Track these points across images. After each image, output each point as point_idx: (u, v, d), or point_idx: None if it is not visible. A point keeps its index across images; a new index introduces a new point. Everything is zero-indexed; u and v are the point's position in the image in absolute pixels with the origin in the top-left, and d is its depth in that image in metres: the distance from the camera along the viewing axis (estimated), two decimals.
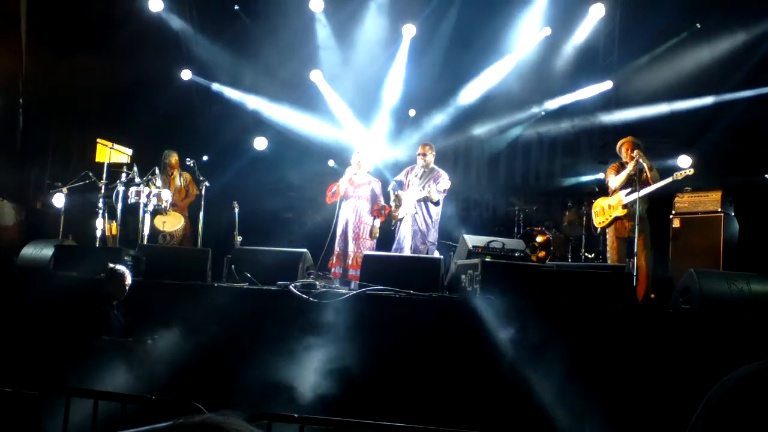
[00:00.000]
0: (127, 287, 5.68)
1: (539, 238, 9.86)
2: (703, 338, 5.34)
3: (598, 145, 11.38)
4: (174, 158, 9.48)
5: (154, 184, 8.62)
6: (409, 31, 11.04)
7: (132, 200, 8.35)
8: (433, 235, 8.09)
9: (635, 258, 7.27)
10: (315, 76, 11.40)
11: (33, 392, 3.59)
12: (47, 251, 6.98)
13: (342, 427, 3.37)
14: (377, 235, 8.17)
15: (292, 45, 11.38)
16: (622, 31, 11.08)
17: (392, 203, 8.20)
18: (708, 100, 10.07)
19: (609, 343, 5.47)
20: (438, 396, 5.37)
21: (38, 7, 10.33)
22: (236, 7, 11.40)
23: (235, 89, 11.61)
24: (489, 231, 10.01)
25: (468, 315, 5.50)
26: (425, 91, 11.48)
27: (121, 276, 5.66)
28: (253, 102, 11.60)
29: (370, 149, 9.22)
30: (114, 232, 8.57)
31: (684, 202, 8.30)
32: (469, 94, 11.36)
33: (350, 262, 7.94)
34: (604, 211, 7.90)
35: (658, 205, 8.09)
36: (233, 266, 6.71)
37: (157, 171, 8.77)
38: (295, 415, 3.26)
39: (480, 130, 11.82)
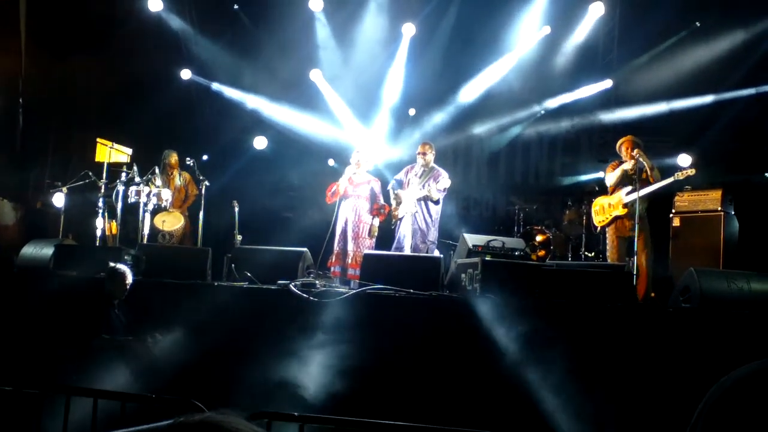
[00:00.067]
0: (127, 286, 5.68)
1: (539, 237, 9.86)
2: (703, 337, 5.34)
3: (598, 144, 11.39)
4: (174, 158, 9.48)
5: (154, 184, 8.62)
6: (409, 30, 11.04)
7: (132, 199, 8.36)
8: (433, 234, 8.10)
9: (635, 257, 7.28)
10: (315, 75, 11.41)
11: (33, 391, 3.58)
12: (47, 250, 6.98)
13: (342, 426, 3.37)
14: (376, 234, 8.16)
15: (292, 44, 11.38)
16: (621, 30, 11.08)
17: (392, 202, 8.20)
18: (707, 98, 10.08)
19: (609, 342, 5.47)
20: (438, 395, 5.37)
21: (38, 7, 10.33)
22: (236, 7, 11.40)
23: (235, 89, 11.61)
24: (489, 230, 10.01)
25: (468, 314, 5.49)
26: (425, 90, 11.48)
27: (122, 275, 5.66)
28: (252, 101, 11.60)
29: (369, 148, 9.22)
30: (114, 231, 8.58)
31: (684, 200, 8.30)
32: (469, 93, 11.36)
33: (349, 261, 7.93)
34: (604, 210, 7.90)
35: (658, 204, 8.09)
36: (233, 265, 6.71)
37: (156, 170, 8.78)
38: (295, 414, 3.26)
39: (480, 129, 11.83)
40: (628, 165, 7.73)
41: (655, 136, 9.76)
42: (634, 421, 5.09)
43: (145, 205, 8.39)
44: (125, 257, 6.50)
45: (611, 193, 7.92)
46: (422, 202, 8.01)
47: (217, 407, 1.33)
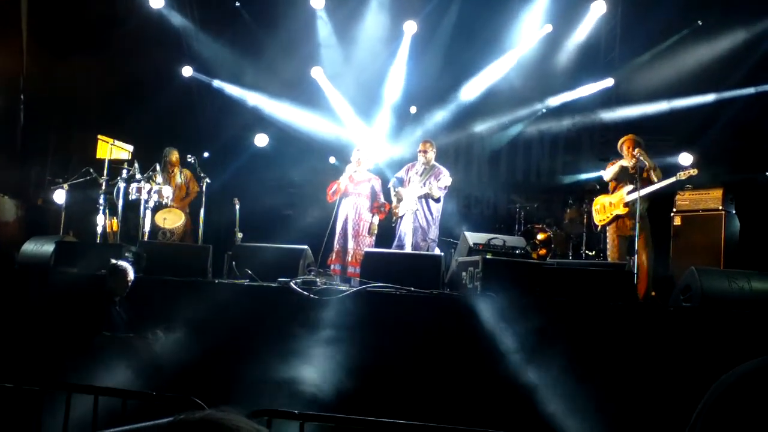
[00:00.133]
0: (129, 283, 5.68)
1: (540, 236, 9.85)
2: (704, 336, 5.33)
3: (599, 143, 11.38)
4: (175, 156, 9.48)
5: (155, 181, 8.62)
6: (410, 27, 11.03)
7: (133, 197, 8.37)
8: (433, 232, 8.10)
9: (636, 256, 7.27)
10: (316, 72, 11.40)
11: (33, 388, 3.59)
12: (48, 247, 6.98)
13: (343, 424, 3.37)
14: (376, 232, 8.17)
15: (293, 42, 11.38)
16: (623, 28, 11.08)
17: (393, 200, 8.20)
18: (709, 97, 10.07)
19: (610, 341, 5.47)
20: (438, 393, 5.37)
21: (39, 6, 10.32)
22: (237, 4, 11.39)
23: (236, 86, 11.61)
24: (490, 228, 10.00)
25: (468, 312, 5.49)
26: (426, 88, 11.48)
27: (123, 272, 5.66)
28: (253, 99, 11.60)
29: (370, 147, 9.22)
30: (115, 228, 8.58)
31: (685, 199, 8.30)
32: (470, 91, 11.36)
33: (350, 259, 7.94)
34: (605, 208, 7.89)
35: (659, 203, 8.09)
36: (234, 263, 6.71)
37: (158, 167, 8.77)
38: (296, 412, 3.26)
39: (481, 127, 11.83)
40: (627, 162, 7.72)
41: (657, 135, 9.76)
42: (634, 420, 5.09)
43: (146, 202, 8.40)
44: (126, 254, 6.50)
45: (612, 192, 7.91)
46: (423, 200, 8.01)
47: (218, 405, 1.33)
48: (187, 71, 11.39)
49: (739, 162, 9.59)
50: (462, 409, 5.23)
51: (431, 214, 8.06)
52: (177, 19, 11.06)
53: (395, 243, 8.07)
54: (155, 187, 8.49)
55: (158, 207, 8.70)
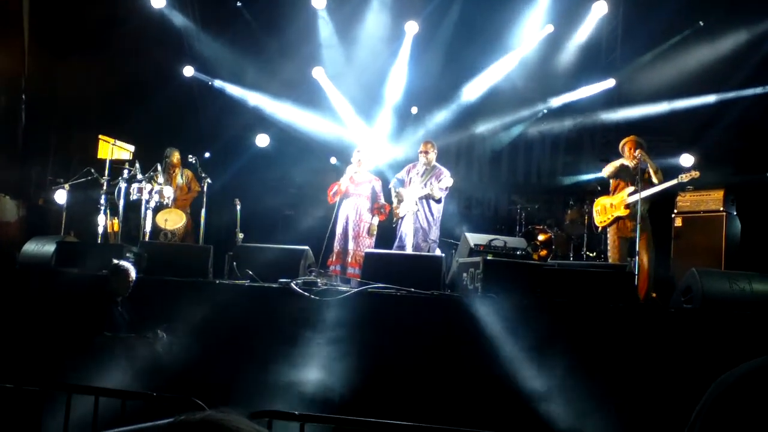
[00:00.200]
0: (131, 283, 5.68)
1: (541, 237, 9.84)
2: (705, 338, 5.33)
3: (601, 143, 11.37)
4: (176, 156, 9.48)
5: (156, 181, 8.62)
6: (412, 28, 11.02)
7: (134, 197, 8.36)
8: (434, 233, 8.09)
9: (637, 257, 7.27)
10: (317, 73, 11.39)
11: (34, 388, 3.59)
12: (49, 248, 6.98)
13: (343, 425, 3.37)
14: (375, 232, 8.17)
15: (295, 42, 11.38)
16: (624, 29, 11.06)
17: (393, 201, 8.20)
18: (710, 98, 10.05)
19: (610, 342, 5.47)
20: (439, 394, 5.37)
21: (40, 6, 10.33)
22: (238, 4, 11.39)
23: (237, 86, 11.60)
24: (491, 229, 10.01)
25: (469, 313, 5.49)
26: (427, 88, 11.47)
27: (125, 272, 5.66)
28: (254, 99, 11.59)
29: (370, 147, 9.22)
30: (116, 228, 8.59)
31: (686, 201, 8.29)
32: (472, 91, 11.35)
33: (350, 260, 7.94)
34: (606, 210, 7.88)
35: (660, 204, 8.08)
36: (235, 263, 6.71)
37: (159, 168, 8.77)
38: (296, 413, 3.26)
39: (482, 127, 11.82)
40: (628, 162, 7.71)
41: (658, 136, 9.75)
42: (635, 420, 5.09)
43: (147, 202, 8.39)
44: (127, 255, 6.50)
45: (613, 193, 7.90)
46: (424, 201, 8.01)
47: (218, 406, 1.33)
48: (188, 71, 11.39)
49: (741, 163, 9.58)
50: (462, 410, 5.23)
51: (432, 214, 8.06)
52: (178, 18, 11.06)
53: (396, 244, 8.07)
54: (156, 188, 8.49)
55: (159, 207, 8.70)
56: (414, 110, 11.71)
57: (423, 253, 7.69)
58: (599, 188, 9.07)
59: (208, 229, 9.00)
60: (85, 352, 5.09)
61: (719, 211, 8.02)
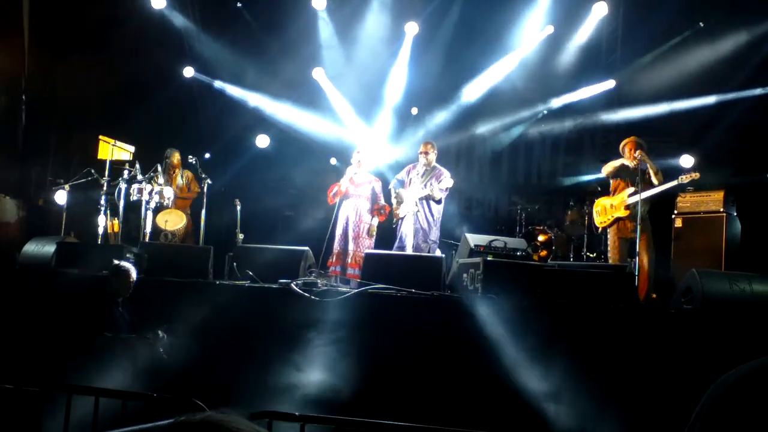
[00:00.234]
0: (131, 284, 5.66)
1: (541, 238, 9.84)
2: (705, 338, 5.33)
3: (601, 144, 11.38)
4: (176, 157, 9.48)
5: (156, 182, 8.62)
6: (412, 28, 11.03)
7: (134, 197, 8.36)
8: (434, 234, 8.10)
9: (637, 258, 7.27)
10: (317, 73, 11.40)
11: (34, 389, 3.59)
12: (49, 248, 6.98)
13: (343, 426, 3.37)
14: (375, 233, 8.17)
15: (295, 42, 11.38)
16: (624, 30, 11.07)
17: (393, 201, 8.20)
18: (711, 99, 10.05)
19: (610, 343, 5.46)
20: (439, 395, 5.37)
21: (40, 6, 10.33)
22: (239, 5, 11.39)
23: (238, 87, 11.61)
24: (491, 230, 10.02)
25: (469, 314, 5.49)
26: (428, 89, 11.48)
27: (126, 272, 5.64)
28: (255, 99, 11.60)
29: (370, 148, 9.22)
30: (116, 229, 8.59)
31: (686, 202, 8.28)
32: (472, 92, 11.36)
33: (349, 260, 7.94)
34: (606, 211, 7.88)
35: (660, 205, 8.08)
36: (235, 264, 6.71)
37: (159, 168, 8.77)
38: (296, 414, 3.26)
39: (482, 128, 11.83)
40: (628, 163, 7.72)
41: (658, 137, 9.75)
42: (635, 421, 5.08)
43: (147, 203, 8.39)
44: (127, 255, 6.50)
45: (613, 194, 7.90)
46: (424, 202, 8.01)
47: (218, 406, 1.33)
48: (188, 72, 11.39)
49: (741, 164, 9.58)
50: (462, 411, 5.23)
51: (432, 215, 8.06)
52: (178, 19, 11.07)
53: (396, 244, 8.07)
54: (156, 188, 8.49)
55: (159, 208, 8.70)
56: (414, 111, 11.71)
57: (423, 254, 7.69)
58: (599, 189, 9.07)
59: (208, 229, 9.00)
60: (85, 353, 5.09)
61: (719, 212, 8.02)
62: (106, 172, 8.57)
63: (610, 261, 7.85)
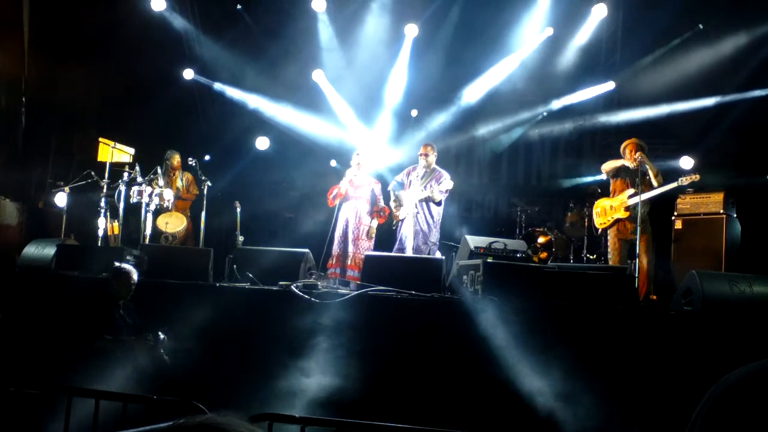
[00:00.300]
0: (133, 286, 5.64)
1: (541, 239, 9.85)
2: (705, 340, 5.33)
3: (601, 146, 11.39)
4: (176, 159, 9.49)
5: (157, 184, 8.62)
6: (412, 31, 11.03)
7: (134, 200, 8.36)
8: (434, 236, 8.10)
9: (637, 259, 7.27)
10: (317, 75, 11.40)
11: (34, 391, 3.59)
12: (49, 250, 6.99)
13: (343, 428, 3.37)
14: (374, 235, 8.18)
15: (295, 44, 11.39)
16: (624, 32, 11.09)
17: (392, 204, 8.20)
18: (710, 101, 10.06)
19: (611, 344, 5.47)
20: (439, 397, 5.37)
21: (40, 8, 10.34)
22: (238, 7, 11.40)
23: (238, 89, 11.61)
24: (491, 231, 10.01)
25: (469, 316, 5.50)
26: (427, 91, 11.48)
27: (127, 274, 5.62)
28: (254, 101, 11.60)
29: (369, 150, 9.22)
30: (116, 231, 8.59)
31: (686, 203, 8.28)
32: (471, 94, 11.36)
33: (349, 262, 7.94)
34: (606, 212, 7.89)
35: (660, 207, 8.08)
36: (235, 266, 6.71)
37: (159, 170, 8.77)
38: (296, 416, 3.26)
39: (482, 130, 11.83)
40: (629, 164, 7.72)
41: (658, 139, 9.75)
42: (636, 423, 5.08)
43: (147, 205, 8.39)
44: (127, 257, 6.50)
45: (613, 195, 7.91)
46: (424, 204, 8.01)
47: (218, 408, 1.33)
48: (188, 74, 11.39)
49: (741, 166, 9.58)
50: (462, 412, 5.23)
51: (432, 217, 8.06)
52: (178, 21, 11.07)
53: (396, 246, 8.07)
54: (156, 190, 8.48)
55: (159, 210, 8.70)
56: (414, 113, 11.71)
57: (423, 256, 7.69)
58: (599, 190, 9.08)
59: (208, 231, 9.00)
60: (85, 356, 5.08)
61: (719, 213, 8.01)
62: (106, 175, 8.57)
63: (611, 263, 7.85)
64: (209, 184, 8.91)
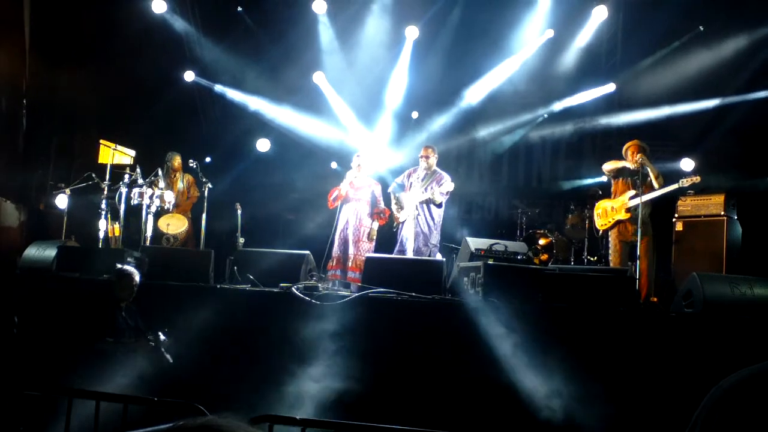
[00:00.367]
0: (135, 287, 5.61)
1: (542, 241, 9.85)
2: (706, 342, 5.33)
3: (601, 148, 11.38)
4: (177, 161, 9.50)
5: (157, 186, 8.62)
6: (412, 33, 11.04)
7: (135, 201, 8.37)
8: (435, 238, 8.10)
9: (638, 261, 7.27)
10: (318, 77, 11.41)
11: (35, 393, 3.59)
12: (50, 252, 6.99)
13: (343, 429, 3.37)
14: (375, 237, 8.18)
15: (295, 47, 11.39)
16: (624, 34, 11.09)
17: (393, 206, 8.20)
18: (711, 102, 10.05)
19: (611, 346, 5.46)
20: (440, 399, 5.37)
21: (41, 10, 10.35)
22: (239, 9, 11.41)
23: (238, 91, 11.61)
24: (491, 233, 10.00)
25: (470, 318, 5.49)
26: (428, 93, 11.48)
27: (129, 276, 5.59)
28: (255, 103, 11.60)
29: (370, 152, 9.22)
30: (117, 233, 8.59)
31: (687, 205, 8.27)
32: (472, 96, 11.36)
33: (350, 264, 7.94)
34: (607, 213, 7.89)
35: (661, 209, 8.07)
36: (235, 268, 6.72)
37: (160, 172, 8.77)
38: (297, 417, 3.26)
39: (483, 132, 11.83)
40: (630, 165, 7.73)
41: (658, 140, 9.74)
42: (637, 424, 5.08)
43: (148, 207, 8.40)
44: (128, 259, 6.50)
45: (614, 197, 7.92)
46: (425, 206, 8.01)
47: (219, 410, 1.33)
48: (189, 76, 11.40)
49: (742, 167, 9.58)
50: (463, 414, 5.23)
51: (433, 219, 8.07)
52: (179, 24, 11.08)
53: (397, 248, 8.07)
54: (157, 192, 8.50)
55: (160, 212, 8.71)
56: (414, 115, 11.71)
57: (424, 258, 7.69)
58: (600, 192, 9.07)
59: (209, 233, 9.01)
60: (86, 358, 5.08)
61: (720, 215, 8.00)
62: (107, 176, 8.58)
63: (611, 264, 7.85)
64: (210, 185, 8.91)
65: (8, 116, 10.11)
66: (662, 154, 9.39)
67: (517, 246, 7.82)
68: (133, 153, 9.33)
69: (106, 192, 8.49)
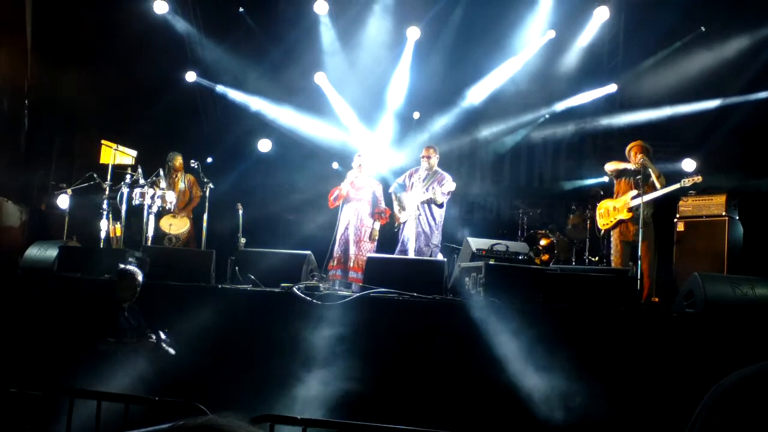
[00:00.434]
0: (137, 288, 5.57)
1: (543, 241, 9.84)
2: (707, 342, 5.33)
3: (603, 148, 11.37)
4: (178, 161, 9.51)
5: (159, 186, 8.63)
6: (414, 33, 11.04)
7: (136, 202, 8.37)
8: (436, 238, 8.10)
9: (639, 261, 7.27)
10: (319, 78, 11.41)
11: (36, 393, 3.59)
12: (51, 252, 6.99)
13: (344, 429, 3.37)
14: (377, 237, 8.18)
15: (297, 47, 11.40)
16: (626, 34, 11.09)
17: (394, 206, 8.20)
18: (713, 103, 10.05)
19: (613, 346, 5.46)
20: (441, 399, 5.37)
21: (43, 11, 10.36)
22: (241, 10, 11.41)
23: (240, 91, 11.62)
24: (493, 234, 10.00)
25: (471, 318, 5.49)
26: (429, 93, 11.48)
27: (132, 276, 5.55)
28: (257, 104, 11.60)
29: (371, 152, 9.22)
30: (118, 233, 8.60)
31: (688, 205, 8.27)
32: (473, 96, 11.35)
33: (351, 264, 7.95)
34: (609, 213, 7.89)
35: (663, 209, 8.08)
36: (237, 268, 6.72)
37: (161, 173, 8.78)
38: (298, 417, 3.26)
39: (484, 132, 11.83)
40: (632, 166, 7.73)
41: (660, 141, 9.74)
42: (638, 424, 5.08)
43: (150, 207, 8.41)
44: (129, 259, 6.50)
45: (615, 197, 7.92)
46: (426, 206, 8.02)
47: (220, 410, 1.33)
48: (190, 76, 11.39)
49: (743, 168, 9.57)
50: (464, 414, 5.23)
51: (434, 219, 8.07)
52: (181, 24, 11.08)
53: (398, 248, 8.07)
54: (159, 192, 8.50)
55: (161, 212, 8.72)
56: (416, 115, 11.71)
57: (425, 258, 7.69)
58: (602, 192, 9.06)
59: (210, 233, 9.01)
60: (87, 358, 5.08)
61: (721, 215, 8.00)
62: (109, 177, 8.59)
63: (613, 264, 7.85)
64: (211, 186, 8.92)
65: (10, 116, 10.12)
66: (664, 154, 9.39)
67: (518, 246, 7.81)
68: (134, 153, 9.36)
69: (107, 192, 8.50)
